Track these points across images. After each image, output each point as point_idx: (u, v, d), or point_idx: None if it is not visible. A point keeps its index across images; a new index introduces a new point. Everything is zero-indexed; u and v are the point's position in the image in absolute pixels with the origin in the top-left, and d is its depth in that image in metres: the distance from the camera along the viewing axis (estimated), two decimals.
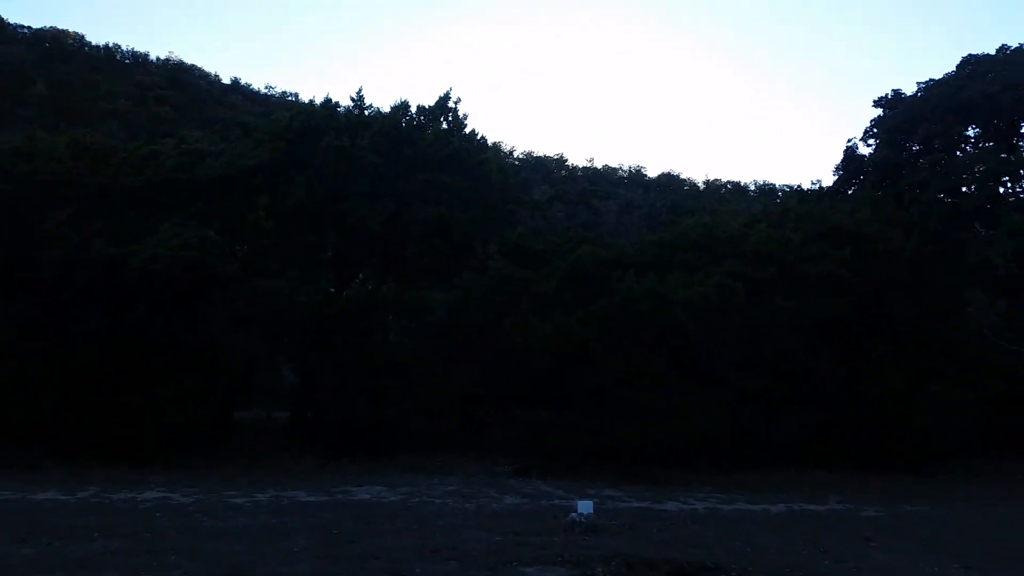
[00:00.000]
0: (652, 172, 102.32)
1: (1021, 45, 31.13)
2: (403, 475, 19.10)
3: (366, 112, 26.53)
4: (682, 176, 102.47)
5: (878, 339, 22.86)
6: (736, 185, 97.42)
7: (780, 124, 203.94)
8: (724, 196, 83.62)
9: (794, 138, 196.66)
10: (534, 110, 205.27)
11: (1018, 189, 28.50)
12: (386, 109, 26.47)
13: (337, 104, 26.74)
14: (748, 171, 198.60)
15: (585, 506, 13.78)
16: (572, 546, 11.55)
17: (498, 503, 15.93)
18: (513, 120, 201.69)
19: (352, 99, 26.67)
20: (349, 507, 14.77)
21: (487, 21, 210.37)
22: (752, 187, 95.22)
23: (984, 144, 31.02)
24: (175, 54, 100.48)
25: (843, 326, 22.80)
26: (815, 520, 15.10)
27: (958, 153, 30.97)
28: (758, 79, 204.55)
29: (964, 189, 29.00)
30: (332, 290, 24.40)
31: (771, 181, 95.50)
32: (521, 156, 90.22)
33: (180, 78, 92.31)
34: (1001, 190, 28.91)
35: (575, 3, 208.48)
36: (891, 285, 23.45)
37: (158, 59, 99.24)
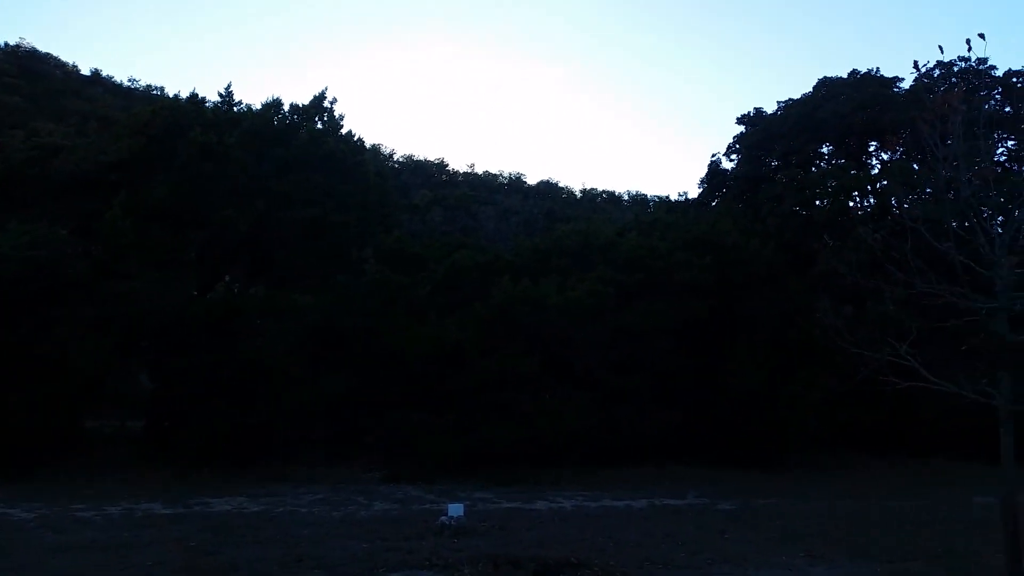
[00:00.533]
0: (532, 179, 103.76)
1: (870, 70, 33.75)
2: (267, 485, 18.46)
3: (235, 109, 25.56)
4: (560, 184, 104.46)
5: (737, 342, 24.09)
6: (611, 195, 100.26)
7: (653, 137, 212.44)
8: (599, 205, 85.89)
9: (666, 151, 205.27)
10: (416, 114, 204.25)
11: (866, 204, 30.74)
12: (257, 107, 25.64)
13: (204, 99, 25.62)
14: (622, 181, 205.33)
15: (455, 509, 13.76)
16: (441, 549, 11.49)
17: (367, 510, 15.65)
18: (394, 123, 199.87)
19: (220, 95, 25.65)
20: (208, 519, 14.10)
21: (367, 24, 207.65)
22: (626, 197, 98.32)
23: (836, 161, 33.37)
24: (27, 41, 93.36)
25: (706, 329, 23.92)
26: (675, 514, 15.67)
27: (813, 169, 33.15)
28: (633, 96, 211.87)
29: (817, 203, 31.04)
30: (195, 293, 23.30)
31: (643, 191, 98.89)
32: (401, 159, 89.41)
33: (33, 67, 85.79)
34: (851, 204, 31.17)
35: (457, 14, 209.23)
36: (749, 291, 24.78)
37: (7, 45, 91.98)
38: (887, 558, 12.39)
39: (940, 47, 10.68)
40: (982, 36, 10.93)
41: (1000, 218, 10.80)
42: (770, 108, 35.24)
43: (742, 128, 35.13)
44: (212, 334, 20.88)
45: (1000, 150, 32.63)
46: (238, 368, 20.43)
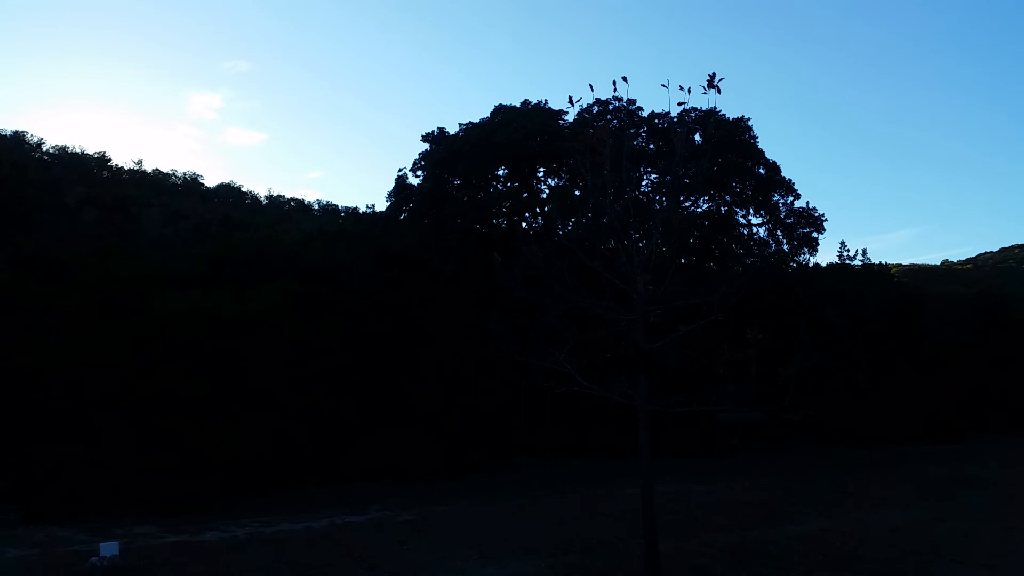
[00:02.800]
0: (210, 182, 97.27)
1: (540, 102, 36.67)
2: None
3: None
4: (244, 188, 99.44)
5: (421, 355, 24.57)
6: (300, 203, 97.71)
7: (347, 148, 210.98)
8: (287, 213, 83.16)
9: (359, 163, 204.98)
10: (75, 102, 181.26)
11: (535, 224, 33.25)
12: None
13: None
14: (313, 191, 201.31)
15: (109, 548, 12.30)
16: None
17: None
18: (47, 110, 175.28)
19: None
20: None
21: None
22: (316, 206, 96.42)
23: (511, 183, 35.71)
24: None
25: (391, 343, 24.04)
26: (356, 531, 15.44)
27: (491, 190, 35.14)
28: (326, 102, 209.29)
29: (495, 221, 32.94)
30: None
31: (335, 202, 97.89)
32: (53, 150, 78.38)
33: None
34: (523, 224, 33.54)
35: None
36: (432, 305, 25.46)
37: None
38: (551, 552, 13.35)
39: (591, 86, 11.72)
40: (625, 79, 12.36)
41: (640, 242, 12.18)
42: (453, 128, 36.76)
43: (427, 146, 36.17)
44: None
45: (645, 182, 37.39)
46: None
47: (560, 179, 35.69)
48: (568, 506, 18.82)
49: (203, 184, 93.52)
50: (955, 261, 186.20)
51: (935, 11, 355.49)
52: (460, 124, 36.56)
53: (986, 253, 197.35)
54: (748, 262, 33.39)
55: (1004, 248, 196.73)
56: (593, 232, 12.25)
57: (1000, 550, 13.25)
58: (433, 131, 36.26)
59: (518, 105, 36.36)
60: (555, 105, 37.31)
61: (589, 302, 11.82)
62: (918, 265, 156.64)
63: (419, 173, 35.75)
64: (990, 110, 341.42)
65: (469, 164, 34.15)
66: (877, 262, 43.83)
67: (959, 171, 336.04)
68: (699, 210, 37.91)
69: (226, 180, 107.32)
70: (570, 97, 12.51)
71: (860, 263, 40.80)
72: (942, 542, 14.04)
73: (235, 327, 19.92)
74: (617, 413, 12.53)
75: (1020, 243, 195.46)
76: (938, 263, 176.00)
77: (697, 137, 33.70)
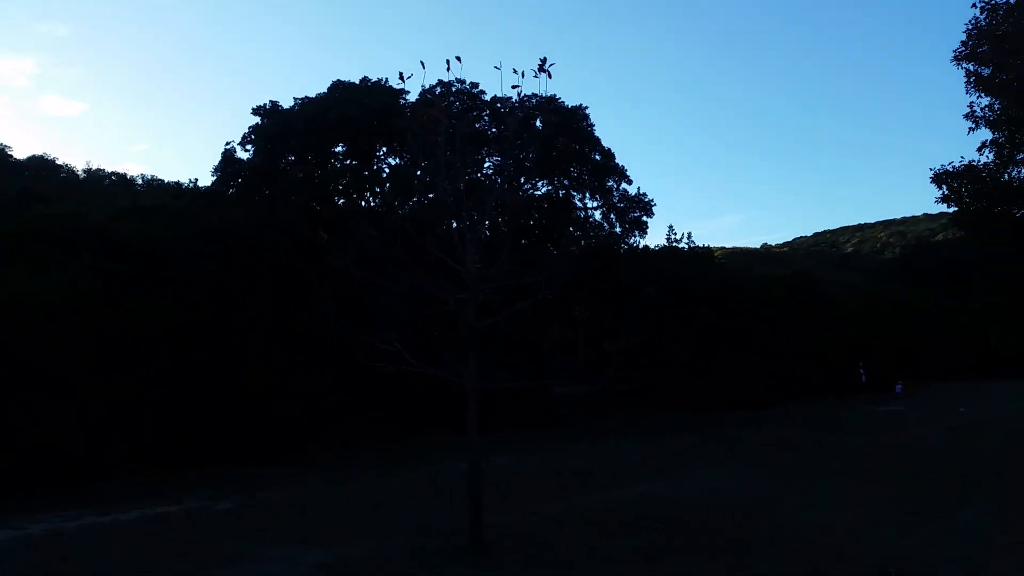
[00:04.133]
0: (21, 153, 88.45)
1: (380, 79, 35.93)
2: None
3: None
4: (59, 161, 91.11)
5: (251, 336, 23.56)
6: (122, 177, 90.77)
7: (176, 121, 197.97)
8: (107, 188, 77.03)
9: (191, 136, 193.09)
10: None
11: (374, 203, 32.63)
12: None
13: None
14: (138, 165, 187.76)
15: None
16: None
17: None
18: None
19: None
20: None
21: None
22: (140, 181, 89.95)
23: (349, 161, 34.84)
24: None
25: (218, 323, 22.85)
26: (168, 523, 14.55)
27: (327, 166, 34.12)
28: (160, 74, 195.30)
29: (333, 199, 32.03)
30: None
31: (160, 176, 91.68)
32: None
33: None
34: (362, 202, 32.82)
35: None
36: (264, 284, 24.44)
37: None
38: (379, 533, 13.19)
39: (422, 63, 11.48)
40: (459, 59, 12.23)
41: (471, 222, 12.20)
42: (287, 103, 35.31)
43: (258, 119, 34.53)
44: None
45: (487, 164, 37.66)
46: None
47: (401, 159, 35.26)
48: (401, 485, 18.73)
49: (12, 156, 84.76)
50: (774, 245, 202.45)
51: (767, 10, 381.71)
52: (295, 99, 35.24)
53: (801, 237, 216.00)
54: (584, 244, 34.57)
55: (817, 233, 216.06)
56: (427, 211, 12.13)
57: (804, 505, 14.51)
58: (265, 104, 34.70)
59: (357, 82, 35.48)
60: (397, 84, 36.71)
61: (421, 281, 11.74)
62: (741, 248, 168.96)
63: (249, 147, 34.09)
64: (808, 107, 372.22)
65: (304, 140, 32.98)
66: (702, 245, 46.87)
67: (781, 161, 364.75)
68: (538, 193, 38.72)
69: (39, 152, 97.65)
70: (400, 73, 12.18)
71: (686, 246, 43.35)
72: (754, 500, 15.16)
73: (33, 309, 18.12)
74: (455, 390, 12.56)
75: (831, 228, 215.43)
76: (759, 246, 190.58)
77: (538, 123, 34.32)
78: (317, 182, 31.28)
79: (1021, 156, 16.74)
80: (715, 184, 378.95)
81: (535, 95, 34.32)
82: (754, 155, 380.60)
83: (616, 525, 12.87)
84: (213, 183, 33.59)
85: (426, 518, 14.10)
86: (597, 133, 40.22)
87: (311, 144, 33.28)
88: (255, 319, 23.71)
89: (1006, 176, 16.47)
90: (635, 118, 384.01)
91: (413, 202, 28.09)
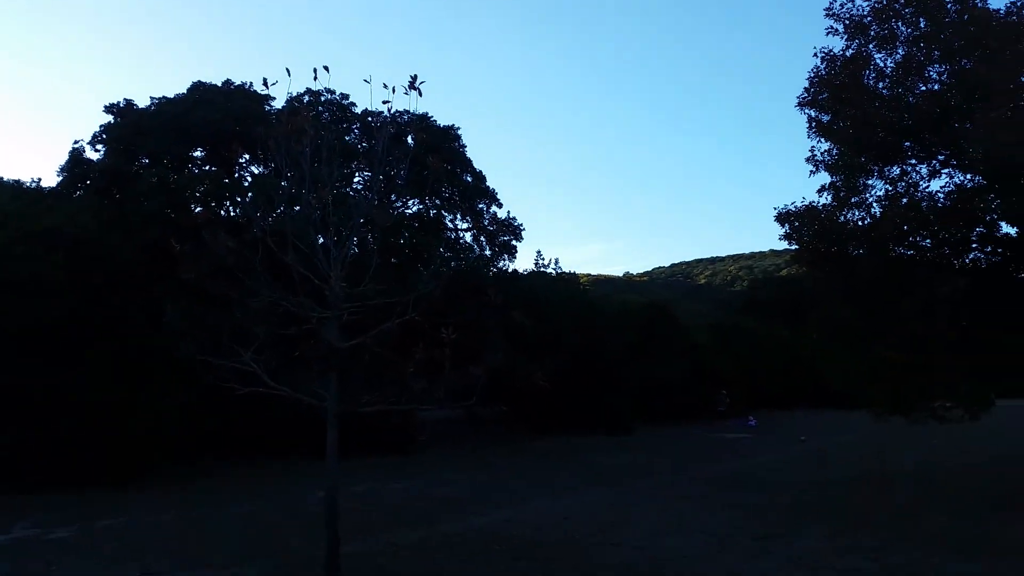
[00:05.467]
0: None
1: (243, 83, 34.61)
2: None
3: None
4: None
5: (95, 349, 21.83)
6: None
7: (19, 117, 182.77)
8: None
9: (36, 134, 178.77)
10: None
11: (233, 213, 31.25)
12: None
13: None
14: None
15: None
16: None
17: None
18: None
19: None
20: None
21: None
22: None
23: (209, 167, 33.23)
24: None
25: (60, 334, 21.05)
26: None
27: (185, 171, 32.38)
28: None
29: (190, 206, 30.37)
30: None
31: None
32: None
33: None
34: (221, 212, 31.32)
35: None
36: (110, 293, 22.76)
37: None
38: (227, 563, 12.47)
39: (287, 70, 11.14)
40: (327, 68, 11.96)
41: (336, 238, 11.84)
42: (143, 102, 33.35)
43: (111, 118, 32.36)
44: None
45: (357, 178, 37.00)
46: None
47: (265, 168, 34.03)
48: (254, 511, 17.87)
49: None
50: (635, 274, 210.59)
51: (640, 52, 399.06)
52: (152, 98, 33.30)
53: (659, 267, 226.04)
54: (453, 265, 34.51)
55: (674, 264, 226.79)
56: (290, 224, 11.67)
57: (653, 531, 14.92)
58: (119, 102, 32.60)
59: (219, 84, 34.04)
60: (262, 90, 35.51)
61: (282, 297, 11.26)
62: (605, 276, 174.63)
63: (100, 148, 31.88)
64: (671, 142, 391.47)
65: (161, 142, 31.21)
66: (568, 271, 47.98)
67: (645, 195, 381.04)
68: (409, 212, 38.44)
69: None
70: (265, 79, 11.81)
71: (553, 272, 44.22)
72: (607, 526, 15.46)
73: None
74: (315, 413, 12.07)
75: (686, 260, 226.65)
76: (621, 275, 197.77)
77: (410, 140, 34.09)
78: (173, 187, 29.57)
79: (856, 199, 18.12)
80: (583, 214, 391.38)
81: (407, 111, 34.19)
82: (621, 189, 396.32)
83: (473, 552, 12.77)
84: (59, 184, 31.10)
85: (279, 546, 13.50)
86: (469, 155, 40.53)
87: (168, 147, 31.53)
88: (103, 331, 21.99)
89: (842, 217, 17.75)
90: (508, 145, 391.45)
91: (276, 214, 27.05)
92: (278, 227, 12.28)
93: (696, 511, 17.33)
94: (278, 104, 33.86)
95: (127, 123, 31.83)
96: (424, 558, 12.37)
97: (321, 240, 11.60)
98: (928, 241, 17.26)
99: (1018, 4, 16.45)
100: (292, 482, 22.67)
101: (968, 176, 17.00)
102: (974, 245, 17.61)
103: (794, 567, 11.71)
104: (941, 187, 17.79)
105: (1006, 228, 17.06)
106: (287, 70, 11.00)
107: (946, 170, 17.86)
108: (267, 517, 17.10)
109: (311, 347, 11.28)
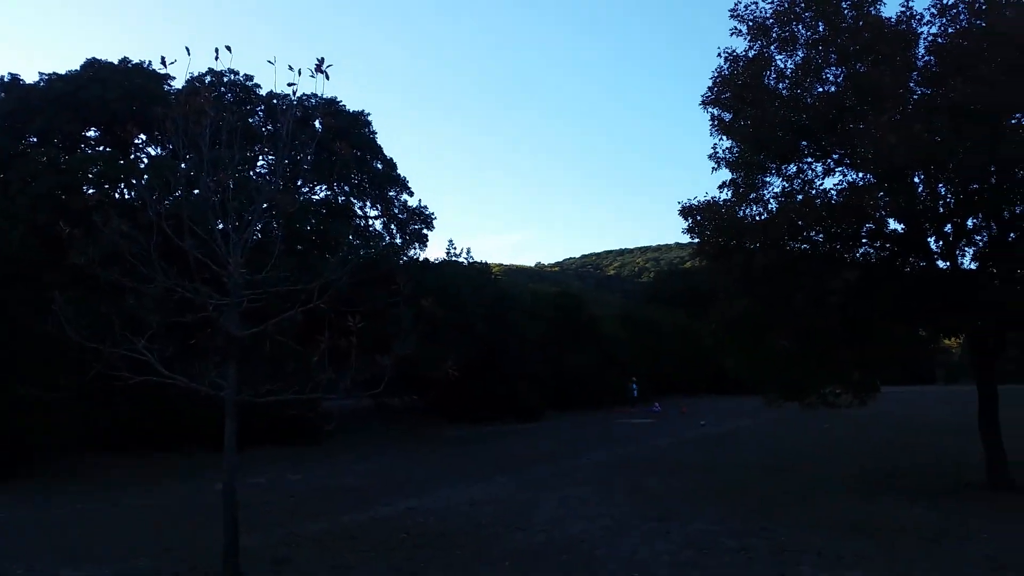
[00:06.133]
0: None
1: (142, 62, 33.09)
2: None
3: None
4: None
5: None
6: None
7: None
8: None
9: None
10: None
11: (128, 196, 29.87)
12: None
13: None
14: None
15: None
16: None
17: None
18: None
19: None
20: None
21: None
22: None
23: (103, 148, 31.66)
24: None
25: None
26: None
27: (77, 151, 30.78)
28: None
29: (84, 188, 28.84)
30: None
31: None
32: None
33: None
34: (116, 194, 29.87)
35: None
36: None
37: None
38: (118, 558, 12.00)
39: (187, 48, 10.71)
40: (228, 48, 11.55)
41: (237, 222, 11.47)
42: (31, 77, 31.53)
43: None
44: None
45: (261, 162, 35.96)
46: None
47: (162, 149, 32.69)
48: (149, 504, 17.23)
49: None
50: (546, 264, 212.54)
51: (550, 48, 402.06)
52: (42, 74, 31.49)
53: (571, 258, 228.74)
54: (362, 253, 34.01)
55: (585, 255, 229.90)
56: (187, 209, 11.23)
57: (556, 516, 15.15)
58: (3, 77, 30.71)
59: (116, 62, 32.45)
60: (161, 69, 34.03)
61: (179, 284, 10.84)
62: (517, 266, 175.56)
63: None
64: (583, 134, 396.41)
65: (51, 120, 29.59)
66: (481, 260, 47.88)
67: (557, 187, 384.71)
68: (316, 198, 37.66)
69: None
70: (163, 57, 11.31)
71: (465, 261, 44.14)
72: (512, 512, 15.60)
73: None
74: (214, 403, 11.68)
75: (597, 251, 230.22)
76: (533, 265, 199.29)
77: (318, 124, 33.33)
78: (63, 168, 28.04)
79: (754, 196, 18.77)
80: (496, 204, 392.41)
81: (315, 95, 33.41)
82: (534, 180, 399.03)
83: (377, 543, 12.67)
84: None
85: (175, 541, 13.05)
86: (380, 142, 40.00)
87: (59, 126, 29.93)
88: None
89: (741, 213, 18.33)
90: (422, 134, 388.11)
91: (173, 198, 26.02)
92: (175, 211, 11.81)
93: (598, 495, 17.70)
94: (178, 84, 32.62)
95: (13, 99, 30.01)
96: (325, 549, 12.19)
97: (221, 225, 11.21)
98: (821, 236, 17.98)
99: (907, 14, 17.36)
100: (190, 474, 21.96)
101: (859, 175, 17.79)
102: (864, 240, 18.47)
103: (689, 547, 12.11)
104: (834, 185, 18.57)
105: (893, 224, 17.99)
106: (187, 49, 10.57)
107: (839, 169, 18.67)
108: (162, 510, 16.50)
109: (208, 336, 10.92)
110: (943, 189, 17.24)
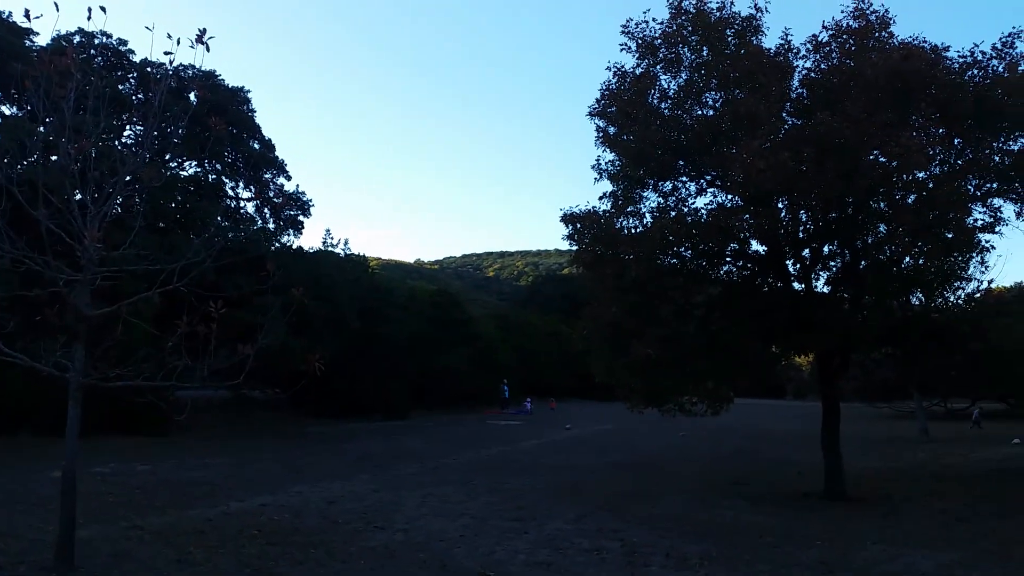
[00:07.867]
0: None
1: (2, 13, 30.45)
2: None
3: None
4: None
5: None
6: None
7: None
8: None
9: None
10: None
11: None
12: None
13: None
14: None
15: None
16: None
17: None
18: None
19: None
20: None
21: None
22: None
23: None
24: None
25: None
26: None
27: None
28: None
29: None
30: None
31: None
32: None
33: None
34: None
35: None
36: None
37: None
38: None
39: (56, 3, 9.95)
40: (104, 9, 10.77)
41: (96, 194, 10.76)
42: None
43: None
44: None
45: (128, 132, 33.81)
46: None
47: (20, 109, 30.22)
48: None
49: None
50: (426, 261, 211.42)
51: (447, 46, 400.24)
52: None
53: (451, 257, 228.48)
54: (231, 235, 32.60)
55: (465, 254, 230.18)
56: (43, 175, 10.42)
57: (416, 515, 15.07)
58: None
59: None
60: (24, 23, 31.42)
61: (25, 255, 10.03)
62: (396, 261, 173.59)
63: None
64: (469, 134, 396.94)
65: None
66: (358, 253, 46.94)
67: (441, 183, 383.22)
68: (185, 174, 35.87)
69: None
70: (27, 11, 10.38)
71: (342, 252, 43.16)
72: (372, 510, 15.37)
73: None
74: (57, 386, 10.85)
75: (478, 252, 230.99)
76: (412, 261, 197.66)
77: (192, 97, 31.75)
78: None
79: (631, 209, 19.39)
80: (379, 197, 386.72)
81: (192, 66, 31.85)
82: (419, 175, 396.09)
83: (226, 538, 12.17)
84: None
85: (5, 530, 12.02)
86: (259, 121, 38.54)
87: None
88: None
89: (618, 224, 18.89)
90: (305, 120, 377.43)
91: (28, 162, 24.11)
92: (29, 177, 10.95)
93: (460, 495, 17.76)
94: (43, 41, 30.25)
95: None
96: (170, 543, 11.57)
97: (78, 196, 10.47)
98: (689, 252, 18.79)
99: (785, 47, 18.40)
100: (21, 460, 20.35)
101: (729, 196, 18.71)
102: (728, 259, 19.45)
103: (544, 547, 12.35)
104: (705, 204, 19.45)
105: (756, 246, 19.03)
106: (55, 4, 9.78)
107: (711, 189, 19.59)
108: None
109: (56, 312, 10.15)
110: (804, 216, 18.38)
